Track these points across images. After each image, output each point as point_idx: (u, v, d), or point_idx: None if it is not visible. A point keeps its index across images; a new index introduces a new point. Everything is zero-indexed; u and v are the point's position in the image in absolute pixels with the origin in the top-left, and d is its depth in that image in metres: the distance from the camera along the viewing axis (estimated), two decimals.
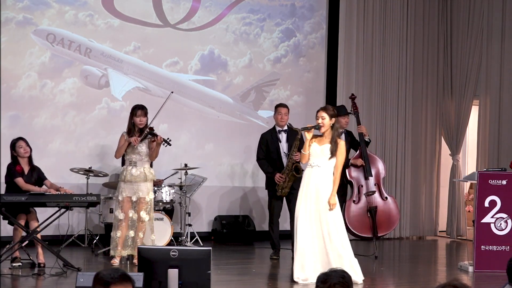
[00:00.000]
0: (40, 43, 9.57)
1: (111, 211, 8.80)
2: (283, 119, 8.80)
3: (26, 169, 7.94)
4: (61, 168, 9.40)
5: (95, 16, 9.87)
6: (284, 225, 9.25)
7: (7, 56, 9.31)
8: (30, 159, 8.00)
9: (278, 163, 8.69)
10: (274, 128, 8.91)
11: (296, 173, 8.53)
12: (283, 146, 8.76)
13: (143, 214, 7.99)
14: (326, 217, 7.07)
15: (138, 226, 8.01)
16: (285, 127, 8.82)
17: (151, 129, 8.03)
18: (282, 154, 8.73)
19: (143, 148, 8.03)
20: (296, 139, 8.56)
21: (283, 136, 8.80)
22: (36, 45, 9.55)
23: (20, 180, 7.80)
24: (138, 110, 8.02)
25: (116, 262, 7.96)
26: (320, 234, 7.06)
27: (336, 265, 6.74)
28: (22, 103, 9.48)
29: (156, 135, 7.97)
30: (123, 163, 8.54)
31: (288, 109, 8.92)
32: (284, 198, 8.80)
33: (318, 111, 7.25)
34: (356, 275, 7.05)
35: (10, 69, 9.36)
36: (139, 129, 8.01)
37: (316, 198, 7.10)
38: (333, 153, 7.10)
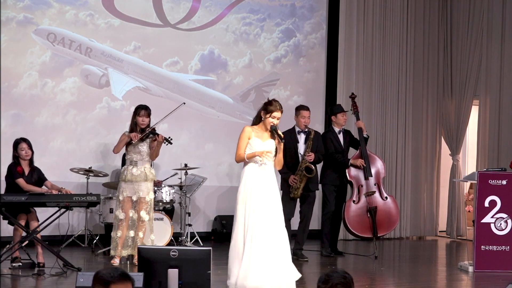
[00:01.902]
0: (41, 42, 9.58)
1: (111, 211, 8.80)
2: (307, 123, 8.78)
3: (26, 170, 7.93)
4: (62, 167, 9.43)
5: (96, 15, 9.88)
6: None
7: (8, 55, 9.33)
8: (31, 160, 8.00)
9: (293, 164, 8.67)
10: (293, 128, 8.87)
11: (308, 173, 8.54)
12: (300, 147, 8.75)
13: (143, 214, 8.00)
14: (274, 216, 6.60)
15: (138, 226, 8.01)
16: (306, 129, 8.77)
17: (153, 129, 8.05)
18: (299, 155, 8.71)
19: (144, 147, 8.04)
20: (309, 140, 8.60)
21: (301, 137, 8.77)
22: (36, 44, 9.56)
23: (21, 181, 7.80)
24: (142, 110, 8.05)
25: (116, 262, 7.96)
26: (267, 235, 6.53)
27: (281, 264, 6.49)
28: (23, 102, 9.49)
29: (157, 134, 7.99)
30: (123, 163, 8.55)
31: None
32: (298, 199, 8.81)
33: (273, 111, 6.63)
34: (290, 277, 6.59)
35: (11, 68, 9.37)
36: (140, 129, 8.02)
37: (266, 198, 6.62)
38: (276, 150, 6.71)
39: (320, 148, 8.88)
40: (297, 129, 8.83)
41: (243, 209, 6.60)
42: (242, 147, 6.70)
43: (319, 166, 9.38)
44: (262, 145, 6.68)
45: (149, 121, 8.07)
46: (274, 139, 6.72)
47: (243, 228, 6.58)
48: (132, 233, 8.00)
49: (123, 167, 8.24)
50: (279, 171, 8.59)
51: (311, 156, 8.61)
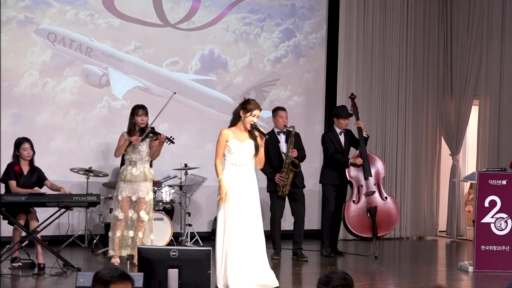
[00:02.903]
0: (41, 42, 9.58)
1: (111, 211, 8.79)
2: (285, 122, 8.83)
3: (25, 170, 7.93)
4: (62, 167, 9.42)
5: (96, 15, 9.88)
6: (282, 224, 9.21)
7: (9, 55, 9.33)
8: (31, 160, 7.99)
9: (278, 163, 8.72)
10: (272, 130, 8.92)
11: (294, 167, 8.58)
12: (282, 147, 8.79)
13: (142, 214, 7.99)
14: (252, 218, 6.64)
15: (137, 226, 8.00)
16: (284, 129, 8.83)
17: (153, 128, 8.04)
18: (282, 155, 8.75)
19: (143, 147, 8.03)
20: (291, 136, 8.64)
21: (282, 137, 8.84)
22: (37, 44, 9.56)
23: (12, 183, 7.77)
24: (139, 109, 8.03)
25: (116, 261, 7.96)
26: (245, 238, 6.59)
27: (259, 267, 6.56)
28: (24, 101, 9.50)
29: (159, 134, 7.98)
30: (122, 163, 8.54)
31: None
32: (287, 198, 8.84)
33: (253, 109, 6.64)
34: (271, 279, 6.65)
35: (11, 68, 9.38)
36: (140, 129, 8.01)
37: (246, 200, 6.66)
38: (257, 148, 6.70)
39: (301, 149, 8.89)
40: (276, 130, 8.88)
41: (223, 211, 6.69)
42: (219, 153, 6.73)
43: (319, 166, 9.38)
44: (241, 146, 6.67)
45: (148, 119, 8.07)
46: (254, 140, 6.71)
47: (222, 230, 6.62)
48: (131, 233, 7.99)
49: (122, 167, 8.24)
50: (264, 173, 8.67)
51: (295, 152, 8.64)
